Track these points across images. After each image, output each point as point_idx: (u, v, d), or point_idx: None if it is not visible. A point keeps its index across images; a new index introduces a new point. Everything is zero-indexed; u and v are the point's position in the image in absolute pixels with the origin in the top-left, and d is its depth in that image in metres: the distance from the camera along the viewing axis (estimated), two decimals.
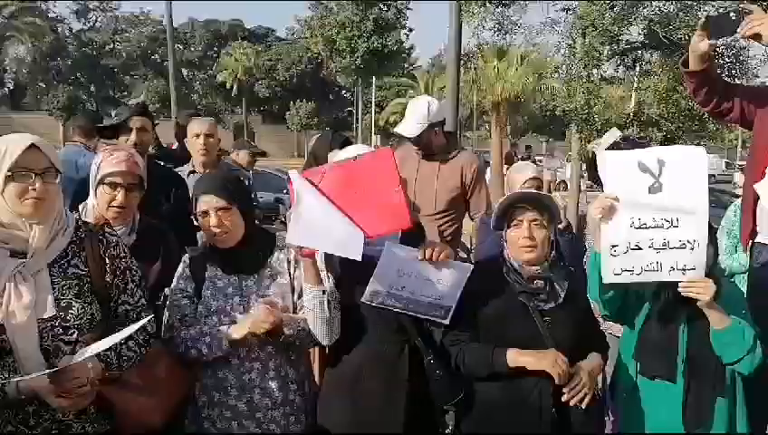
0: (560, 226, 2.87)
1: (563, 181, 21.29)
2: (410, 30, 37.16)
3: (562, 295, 2.35)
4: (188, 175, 3.73)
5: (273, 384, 2.33)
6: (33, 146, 1.82)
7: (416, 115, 3.71)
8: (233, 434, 2.31)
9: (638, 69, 9.44)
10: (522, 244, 2.32)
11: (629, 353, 2.47)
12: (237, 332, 2.24)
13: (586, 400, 2.24)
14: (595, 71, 8.72)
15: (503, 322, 2.33)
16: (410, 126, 3.73)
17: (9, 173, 1.79)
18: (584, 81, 8.62)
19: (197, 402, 2.35)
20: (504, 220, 2.39)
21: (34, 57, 46.26)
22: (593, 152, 6.21)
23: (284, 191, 10.78)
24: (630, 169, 2.30)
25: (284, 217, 9.87)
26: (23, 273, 1.82)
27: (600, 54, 8.70)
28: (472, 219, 4.04)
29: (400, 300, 2.32)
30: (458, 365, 2.35)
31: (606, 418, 2.56)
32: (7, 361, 1.79)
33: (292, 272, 2.40)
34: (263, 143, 43.42)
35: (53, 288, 1.86)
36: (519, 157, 18.28)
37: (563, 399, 2.24)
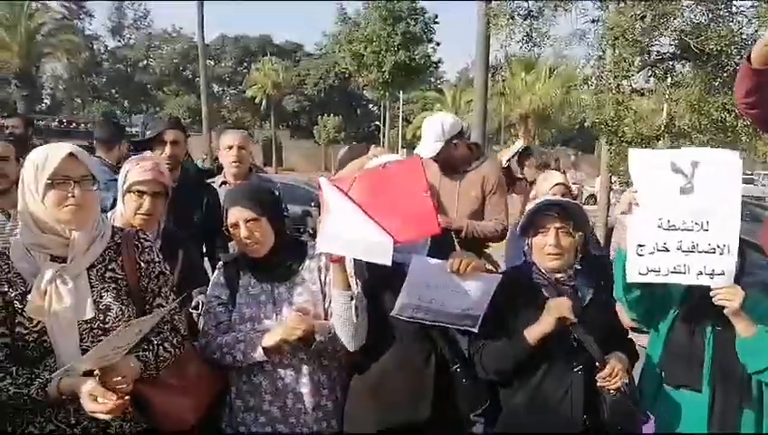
0: None
1: (592, 195, 20.97)
2: (438, 44, 37.20)
3: (587, 299, 2.34)
4: (220, 185, 3.82)
5: (305, 389, 2.36)
6: (71, 154, 1.89)
7: (431, 135, 3.72)
8: None
9: (669, 80, 9.25)
10: (548, 251, 2.31)
11: (655, 361, 2.45)
12: (270, 339, 2.27)
13: (618, 384, 2.22)
14: (625, 82, 8.55)
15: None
16: (428, 147, 3.73)
17: (49, 181, 1.85)
18: (614, 92, 8.49)
19: (233, 406, 2.39)
20: (530, 227, 2.39)
21: (71, 74, 47.65)
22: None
23: (312, 204, 10.82)
24: (663, 168, 2.26)
25: (312, 230, 9.93)
26: (63, 276, 1.88)
27: (631, 66, 8.56)
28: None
29: (429, 312, 2.32)
30: (483, 367, 2.34)
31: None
32: (48, 361, 1.86)
33: (323, 279, 2.43)
34: (290, 157, 43.90)
35: (92, 291, 1.92)
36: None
37: (598, 384, 2.22)
